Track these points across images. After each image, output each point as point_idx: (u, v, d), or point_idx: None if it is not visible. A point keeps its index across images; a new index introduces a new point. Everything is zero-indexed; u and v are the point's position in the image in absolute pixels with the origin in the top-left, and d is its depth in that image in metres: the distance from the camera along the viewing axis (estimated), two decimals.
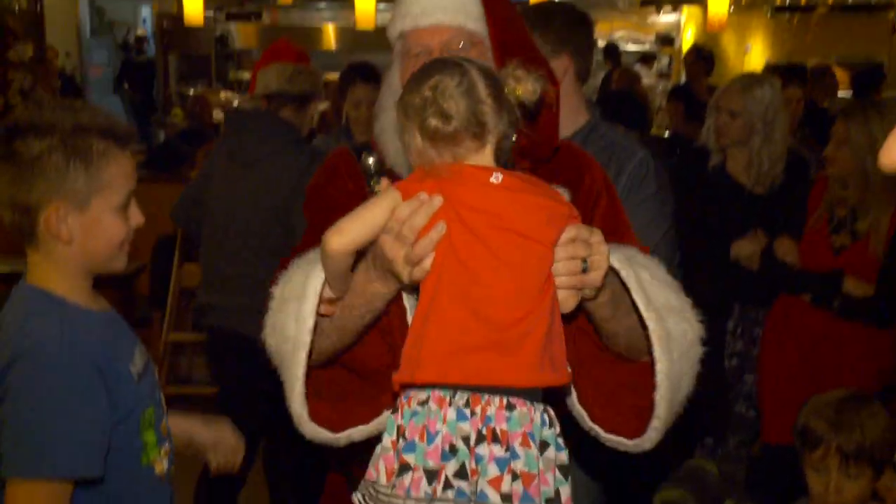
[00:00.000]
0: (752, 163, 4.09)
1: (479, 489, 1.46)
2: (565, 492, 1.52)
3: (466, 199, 1.55)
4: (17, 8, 10.34)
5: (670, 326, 1.75)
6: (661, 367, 1.73)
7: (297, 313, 1.72)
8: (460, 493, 1.46)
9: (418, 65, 1.73)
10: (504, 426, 1.49)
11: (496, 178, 1.55)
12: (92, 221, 1.88)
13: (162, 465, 2.01)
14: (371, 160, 1.97)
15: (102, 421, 1.85)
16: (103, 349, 1.89)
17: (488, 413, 1.49)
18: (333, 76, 7.30)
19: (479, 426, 1.48)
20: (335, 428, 1.84)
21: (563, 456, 1.54)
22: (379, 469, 1.54)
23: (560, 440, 1.55)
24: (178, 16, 11.40)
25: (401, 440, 1.51)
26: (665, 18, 12.22)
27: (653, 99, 9.86)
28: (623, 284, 1.74)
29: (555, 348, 1.55)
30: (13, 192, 1.83)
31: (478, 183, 1.56)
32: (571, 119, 2.72)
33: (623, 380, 1.86)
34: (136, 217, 1.98)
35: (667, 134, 8.13)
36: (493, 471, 1.46)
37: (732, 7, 10.15)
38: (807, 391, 3.68)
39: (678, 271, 2.73)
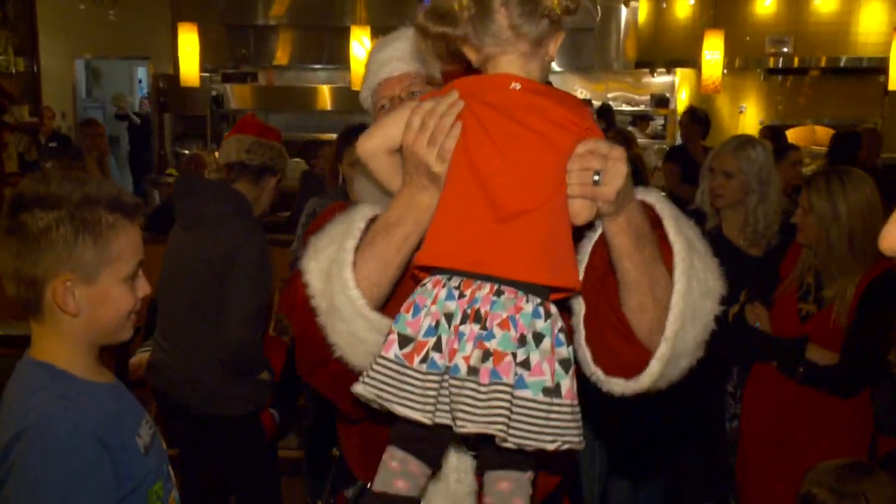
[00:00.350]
0: (747, 223, 4.07)
1: (453, 363, 1.55)
2: (566, 385, 1.58)
3: (485, 97, 1.66)
4: (13, 70, 10.41)
5: (695, 261, 1.76)
6: (679, 287, 1.72)
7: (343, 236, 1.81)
8: (433, 364, 1.56)
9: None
10: (487, 308, 1.57)
11: (515, 85, 1.66)
12: (100, 294, 1.88)
13: None
14: (368, 209, 2.00)
15: (107, 497, 1.83)
16: (108, 422, 1.88)
17: (476, 295, 1.58)
18: (329, 136, 7.32)
19: (465, 307, 1.57)
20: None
21: (564, 351, 1.60)
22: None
23: (562, 336, 1.61)
24: (175, 76, 11.45)
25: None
26: (659, 80, 12.29)
27: (647, 160, 9.89)
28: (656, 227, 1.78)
29: (560, 254, 1.64)
30: (19, 264, 1.82)
31: (498, 86, 1.67)
32: None
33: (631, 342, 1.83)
34: (144, 287, 1.99)
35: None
36: (468, 347, 1.56)
37: (726, 69, 10.21)
38: (782, 459, 3.71)
39: None
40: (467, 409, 1.52)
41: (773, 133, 8.20)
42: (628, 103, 12.28)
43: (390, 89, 2.06)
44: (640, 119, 11.82)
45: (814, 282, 3.74)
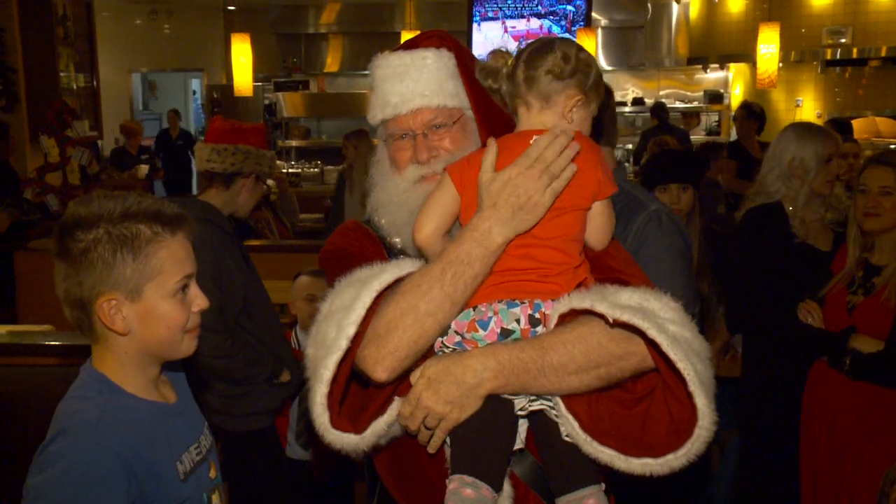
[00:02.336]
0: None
1: None
2: None
3: (513, 150, 1.81)
4: (75, 86, 10.64)
5: (623, 299, 1.81)
6: (687, 373, 1.74)
7: (340, 322, 1.78)
8: None
9: (405, 147, 2.00)
10: (542, 312, 1.79)
11: (534, 138, 1.82)
12: (147, 310, 1.84)
13: None
14: (384, 221, 2.07)
15: None
16: (139, 446, 1.83)
17: (535, 301, 1.78)
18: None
19: (530, 311, 1.77)
20: (358, 430, 1.84)
21: None
22: None
23: None
24: (228, 86, 11.62)
25: (454, 336, 1.80)
26: (712, 75, 12.22)
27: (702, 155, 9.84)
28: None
29: (585, 283, 1.83)
30: (67, 287, 1.81)
31: (522, 139, 1.84)
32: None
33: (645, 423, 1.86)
34: (200, 301, 1.93)
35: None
36: None
37: (781, 63, 10.09)
38: (845, 464, 3.66)
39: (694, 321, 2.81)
40: None
41: (837, 126, 8.12)
42: (681, 100, 12.25)
43: (410, 121, 2.00)
44: (691, 115, 11.73)
45: (863, 273, 3.70)
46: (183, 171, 12.74)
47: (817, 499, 3.79)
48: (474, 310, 1.77)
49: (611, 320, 1.74)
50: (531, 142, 1.79)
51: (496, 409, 1.76)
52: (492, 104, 2.02)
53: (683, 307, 2.59)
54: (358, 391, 1.88)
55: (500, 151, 1.81)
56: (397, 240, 2.02)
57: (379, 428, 1.81)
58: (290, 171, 11.73)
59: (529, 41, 1.91)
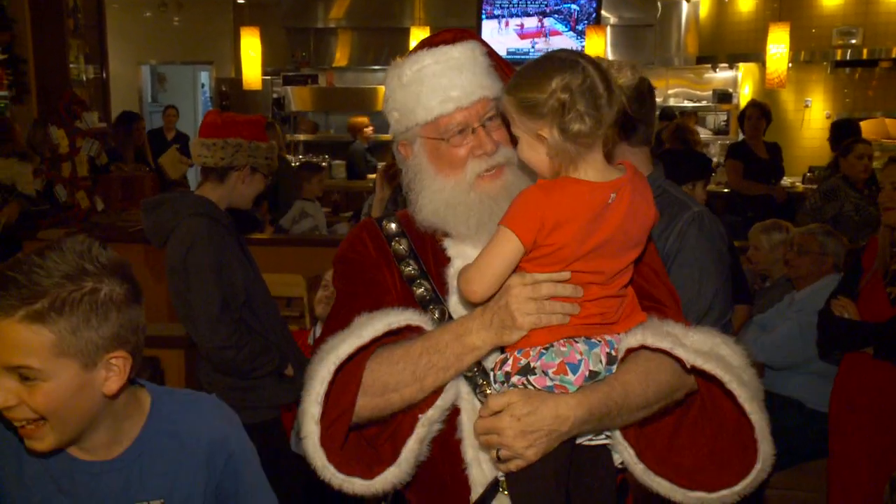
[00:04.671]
0: None
1: None
2: None
3: (586, 218, 1.75)
4: (84, 78, 10.69)
5: (695, 342, 1.86)
6: (739, 394, 1.82)
7: (348, 336, 1.84)
8: None
9: (461, 143, 1.92)
10: (617, 345, 1.83)
11: (612, 198, 1.77)
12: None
13: None
14: (393, 225, 2.07)
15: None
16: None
17: (607, 339, 1.81)
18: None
19: (607, 350, 1.80)
20: (366, 475, 1.85)
21: None
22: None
23: None
24: (237, 79, 11.66)
25: (541, 376, 1.76)
26: (721, 75, 12.20)
27: (713, 154, 9.86)
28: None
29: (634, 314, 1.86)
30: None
31: (598, 203, 1.76)
32: (646, 166, 2.90)
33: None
34: None
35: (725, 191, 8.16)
36: None
37: (791, 63, 10.08)
38: (877, 451, 3.74)
39: (730, 326, 2.84)
40: None
41: (845, 126, 8.08)
42: (689, 99, 12.25)
43: (460, 117, 1.93)
44: (689, 115, 11.65)
45: None
46: None
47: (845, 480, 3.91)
48: (554, 348, 1.77)
49: (688, 366, 1.80)
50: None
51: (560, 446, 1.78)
52: None
53: (722, 311, 2.72)
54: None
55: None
56: (448, 241, 2.01)
57: (392, 476, 1.85)
58: (298, 164, 11.76)
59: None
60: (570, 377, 1.75)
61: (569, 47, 11.58)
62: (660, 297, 1.96)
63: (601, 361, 1.77)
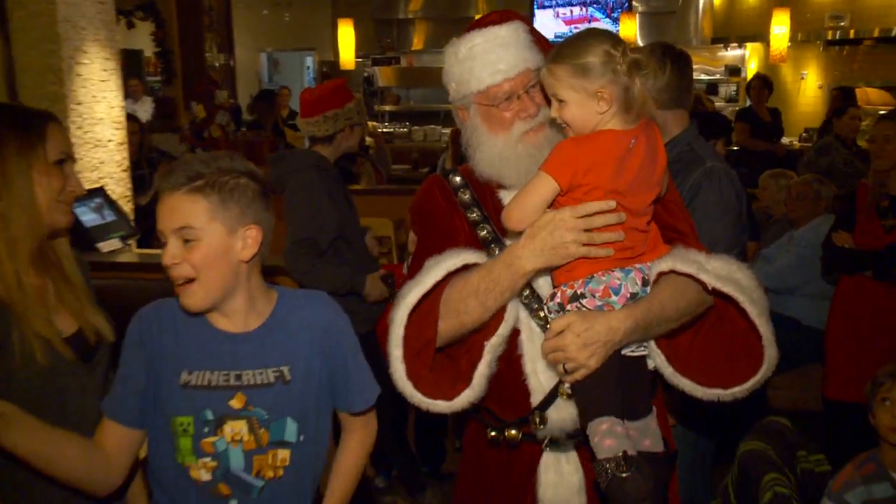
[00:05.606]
0: None
1: None
2: None
3: (613, 160, 1.72)
4: (217, 64, 10.82)
5: (715, 267, 1.84)
6: (751, 311, 1.82)
7: (415, 285, 1.83)
8: None
9: (509, 108, 1.89)
10: (647, 272, 1.80)
11: (632, 143, 1.74)
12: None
13: (199, 474, 1.76)
14: (458, 178, 2.02)
15: (135, 378, 1.78)
16: (153, 336, 1.79)
17: (638, 266, 1.78)
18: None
19: (641, 274, 1.78)
20: (447, 397, 1.85)
21: None
22: None
23: None
24: (335, 62, 11.67)
25: (591, 299, 1.74)
26: (732, 53, 12.01)
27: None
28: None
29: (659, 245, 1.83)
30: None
31: (622, 148, 1.73)
32: (679, 126, 2.88)
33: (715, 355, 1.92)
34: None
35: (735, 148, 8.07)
36: None
37: (790, 42, 9.92)
38: (866, 352, 3.75)
39: (741, 257, 2.81)
40: None
41: (843, 92, 8.00)
42: (706, 73, 12.05)
43: (508, 86, 1.88)
44: (711, 87, 11.56)
45: (889, 204, 3.78)
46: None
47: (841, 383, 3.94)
48: (595, 278, 1.76)
49: (710, 287, 1.80)
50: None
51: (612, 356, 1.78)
52: None
53: (726, 249, 2.66)
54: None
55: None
56: (506, 189, 1.96)
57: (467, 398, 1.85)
58: (384, 130, 11.79)
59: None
60: (614, 298, 1.74)
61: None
62: (682, 229, 1.94)
63: (637, 284, 1.76)
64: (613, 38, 1.74)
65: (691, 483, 2.91)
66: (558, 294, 1.77)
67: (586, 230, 1.71)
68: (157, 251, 1.79)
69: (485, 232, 1.95)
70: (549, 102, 1.84)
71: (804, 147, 8.90)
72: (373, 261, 4.03)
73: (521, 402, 1.92)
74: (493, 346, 1.84)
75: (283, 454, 1.79)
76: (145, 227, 4.96)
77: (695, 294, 1.83)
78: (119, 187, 5.61)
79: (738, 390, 1.86)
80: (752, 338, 1.85)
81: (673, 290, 1.80)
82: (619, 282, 1.74)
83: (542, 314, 1.87)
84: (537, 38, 1.96)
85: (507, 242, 1.91)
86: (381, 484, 4.29)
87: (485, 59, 1.90)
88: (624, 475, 1.65)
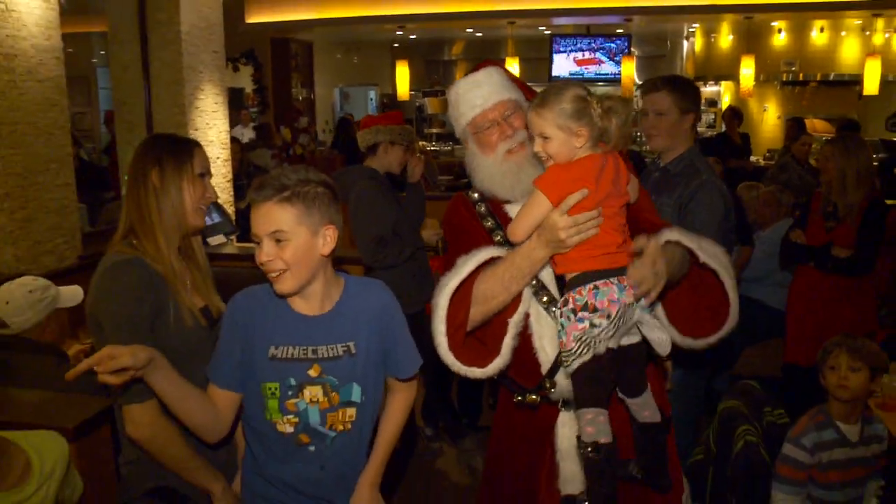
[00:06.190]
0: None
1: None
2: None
3: (590, 177, 1.70)
4: (300, 97, 10.89)
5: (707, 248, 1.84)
6: (726, 282, 1.83)
7: (453, 275, 1.82)
8: (642, 309, 1.75)
9: (492, 133, 1.88)
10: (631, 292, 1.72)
11: (604, 162, 1.73)
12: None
13: (284, 427, 1.77)
14: (475, 195, 2.00)
15: (231, 349, 1.77)
16: (245, 319, 1.77)
17: (624, 284, 1.72)
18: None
19: (633, 291, 1.72)
20: (481, 365, 1.84)
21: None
22: (569, 335, 1.70)
23: None
24: (393, 94, 11.71)
25: (590, 313, 1.69)
26: (710, 89, 11.88)
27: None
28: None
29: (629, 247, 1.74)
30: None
31: (597, 167, 1.70)
32: (683, 144, 2.88)
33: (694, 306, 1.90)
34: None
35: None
36: (648, 310, 1.77)
37: (755, 82, 9.84)
38: (817, 327, 3.78)
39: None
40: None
41: (797, 122, 7.91)
42: None
43: (491, 114, 1.89)
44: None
45: (832, 209, 3.80)
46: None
47: (799, 349, 3.92)
48: (601, 290, 1.71)
49: (701, 261, 1.81)
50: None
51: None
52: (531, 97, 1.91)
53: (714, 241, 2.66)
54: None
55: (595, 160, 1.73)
56: (507, 200, 1.94)
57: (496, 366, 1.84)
58: (432, 148, 11.82)
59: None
60: (613, 309, 1.70)
61: (610, 72, 11.36)
62: (663, 223, 1.93)
63: (630, 298, 1.71)
64: (586, 89, 1.73)
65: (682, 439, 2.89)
66: (570, 301, 1.73)
67: (574, 225, 1.70)
68: (252, 245, 1.76)
69: (498, 237, 1.93)
70: (525, 127, 1.83)
71: (767, 164, 8.78)
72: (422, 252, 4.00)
73: (534, 372, 1.90)
74: (515, 323, 1.83)
75: (350, 412, 1.81)
76: (244, 226, 5.03)
77: (684, 258, 1.83)
78: (224, 194, 5.69)
79: (704, 342, 1.88)
80: (721, 302, 1.86)
81: (674, 252, 1.80)
82: (616, 297, 1.70)
83: (545, 299, 1.85)
84: (511, 78, 1.96)
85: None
86: (430, 433, 4.29)
87: (466, 98, 1.91)
88: (595, 457, 1.67)
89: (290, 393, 1.75)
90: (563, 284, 1.79)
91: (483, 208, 1.98)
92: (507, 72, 1.99)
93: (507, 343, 1.83)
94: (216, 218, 4.65)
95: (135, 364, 1.56)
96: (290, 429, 1.76)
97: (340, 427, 1.80)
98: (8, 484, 1.68)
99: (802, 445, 2.51)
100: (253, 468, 1.86)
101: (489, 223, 1.96)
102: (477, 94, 1.90)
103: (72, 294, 2.87)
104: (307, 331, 1.77)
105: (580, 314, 1.70)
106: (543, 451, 1.94)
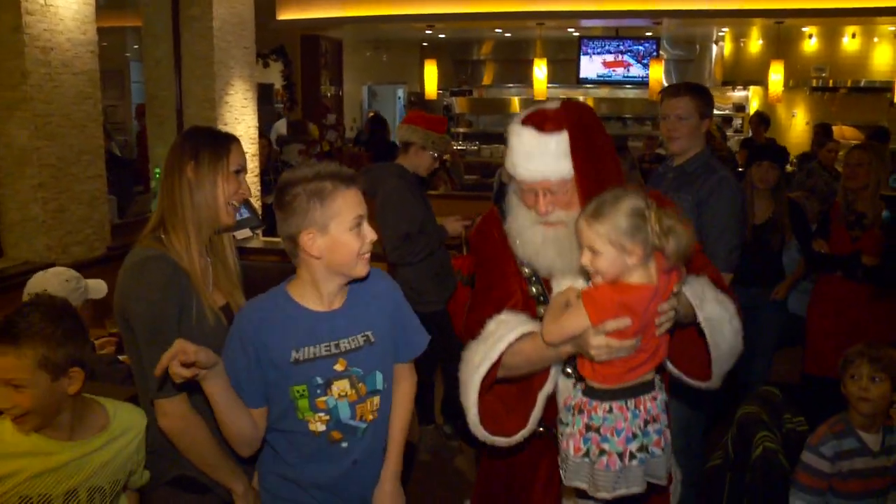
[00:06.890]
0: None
1: (649, 450, 1.59)
2: (665, 417, 1.65)
3: (639, 310, 1.55)
4: (329, 94, 10.93)
5: (709, 311, 1.73)
6: (711, 343, 1.74)
7: (488, 350, 1.71)
8: (641, 460, 1.58)
9: (531, 194, 1.77)
10: (655, 411, 1.61)
11: (656, 292, 1.57)
12: (332, 240, 1.72)
13: (316, 426, 1.79)
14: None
15: (238, 360, 1.76)
16: (257, 334, 1.75)
17: (647, 407, 1.60)
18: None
19: (645, 416, 1.59)
20: (508, 434, 1.78)
21: (664, 395, 1.68)
22: (569, 445, 1.61)
23: (663, 385, 1.69)
24: (421, 93, 11.71)
25: (595, 434, 1.58)
26: (738, 94, 11.74)
27: (732, 147, 9.57)
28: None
29: (661, 355, 1.65)
30: (284, 227, 1.75)
31: (646, 299, 1.55)
32: (699, 145, 3.06)
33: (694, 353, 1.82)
34: (370, 234, 1.79)
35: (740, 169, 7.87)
36: (654, 437, 1.60)
37: (784, 87, 9.71)
38: (840, 337, 3.71)
39: (731, 258, 2.88)
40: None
41: (823, 128, 7.82)
42: (717, 110, 11.80)
43: (535, 185, 1.76)
44: (725, 120, 11.41)
45: (854, 218, 3.80)
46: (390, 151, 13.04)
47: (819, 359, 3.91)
48: (613, 413, 1.61)
49: (700, 321, 1.71)
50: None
51: None
52: (590, 174, 1.77)
53: (731, 249, 2.82)
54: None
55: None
56: (532, 265, 1.85)
57: (521, 436, 1.79)
58: (459, 147, 11.81)
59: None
60: (617, 438, 1.58)
61: (638, 75, 11.22)
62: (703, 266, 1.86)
63: (640, 427, 1.59)
64: (645, 201, 1.55)
65: (686, 442, 2.89)
66: (585, 410, 1.62)
67: (606, 349, 1.57)
68: (278, 239, 1.80)
69: (534, 289, 1.86)
70: (568, 206, 1.74)
71: (794, 170, 8.68)
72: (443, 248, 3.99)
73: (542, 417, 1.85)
74: (544, 394, 1.78)
75: (376, 400, 1.85)
76: (270, 220, 5.05)
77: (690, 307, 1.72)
78: (251, 189, 5.72)
79: (693, 382, 1.83)
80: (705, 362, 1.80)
81: (684, 300, 1.70)
82: (623, 425, 1.58)
83: (569, 370, 1.79)
84: (576, 146, 1.75)
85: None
86: (449, 431, 4.31)
87: (515, 153, 1.78)
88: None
89: (318, 392, 1.77)
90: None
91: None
92: (578, 134, 1.77)
93: (535, 416, 1.78)
94: (244, 213, 4.68)
95: (206, 363, 1.60)
96: (321, 427, 1.79)
97: (370, 417, 1.83)
98: (86, 434, 1.80)
99: (822, 454, 2.47)
100: (275, 471, 1.87)
101: (526, 270, 1.87)
102: (524, 165, 1.76)
103: (97, 287, 2.93)
104: (328, 326, 1.78)
105: (587, 434, 1.60)
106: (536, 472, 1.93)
